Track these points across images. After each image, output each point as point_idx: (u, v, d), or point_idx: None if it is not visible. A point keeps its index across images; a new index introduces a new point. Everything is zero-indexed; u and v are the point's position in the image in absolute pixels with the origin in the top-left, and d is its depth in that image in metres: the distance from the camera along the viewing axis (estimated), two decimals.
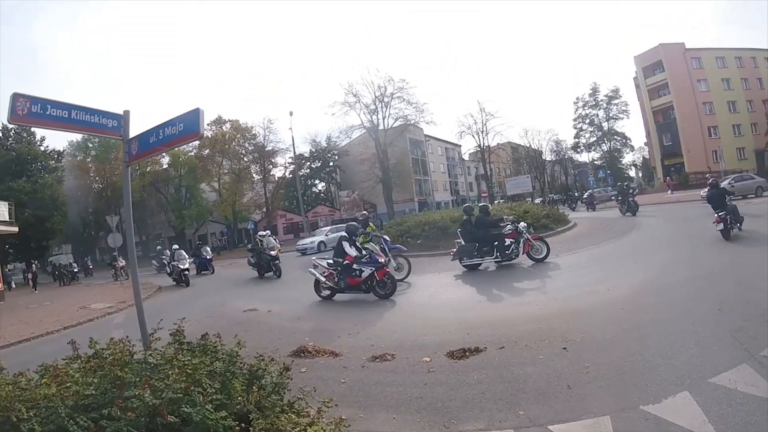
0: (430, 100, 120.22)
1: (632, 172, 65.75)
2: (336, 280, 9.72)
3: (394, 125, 47.90)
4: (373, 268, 9.38)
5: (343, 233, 10.35)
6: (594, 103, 60.77)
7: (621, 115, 60.05)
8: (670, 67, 48.34)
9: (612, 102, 60.01)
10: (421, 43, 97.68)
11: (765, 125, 43.55)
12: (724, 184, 23.24)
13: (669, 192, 35.16)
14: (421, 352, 5.43)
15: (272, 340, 6.57)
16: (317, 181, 61.10)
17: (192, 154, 48.34)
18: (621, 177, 56.08)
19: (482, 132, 53.38)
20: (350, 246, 9.80)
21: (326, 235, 26.80)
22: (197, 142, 46.57)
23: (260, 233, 17.17)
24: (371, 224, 12.18)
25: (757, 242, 10.00)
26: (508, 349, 5.20)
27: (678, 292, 6.87)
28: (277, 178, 52.92)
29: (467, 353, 5.19)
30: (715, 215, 10.75)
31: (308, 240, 26.71)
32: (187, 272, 17.00)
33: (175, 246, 19.72)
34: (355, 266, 9.49)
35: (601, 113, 60.71)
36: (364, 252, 9.87)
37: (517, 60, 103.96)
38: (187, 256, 18.05)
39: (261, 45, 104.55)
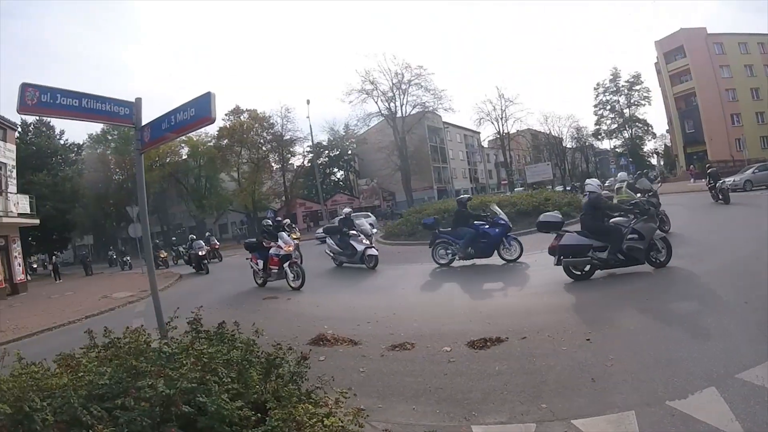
0: (448, 86, 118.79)
1: (654, 160, 63.81)
2: None
3: (412, 112, 47.86)
4: None
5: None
6: (615, 89, 58.88)
7: (642, 102, 58.17)
8: (692, 52, 46.63)
9: (633, 88, 58.07)
10: (439, 29, 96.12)
11: None
12: (747, 173, 22.81)
13: (691, 180, 34.10)
14: (441, 341, 5.26)
15: (291, 328, 6.49)
16: (336, 170, 61.32)
17: (211, 144, 48.97)
18: (643, 165, 54.75)
19: (501, 118, 52.74)
20: None
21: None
22: (216, 133, 47.07)
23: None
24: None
25: None
26: (529, 340, 4.99)
27: (710, 279, 6.56)
28: (296, 167, 53.44)
29: (488, 343, 5.00)
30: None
31: None
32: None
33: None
34: None
35: (623, 99, 58.87)
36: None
37: (536, 45, 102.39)
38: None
39: (276, 34, 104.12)
